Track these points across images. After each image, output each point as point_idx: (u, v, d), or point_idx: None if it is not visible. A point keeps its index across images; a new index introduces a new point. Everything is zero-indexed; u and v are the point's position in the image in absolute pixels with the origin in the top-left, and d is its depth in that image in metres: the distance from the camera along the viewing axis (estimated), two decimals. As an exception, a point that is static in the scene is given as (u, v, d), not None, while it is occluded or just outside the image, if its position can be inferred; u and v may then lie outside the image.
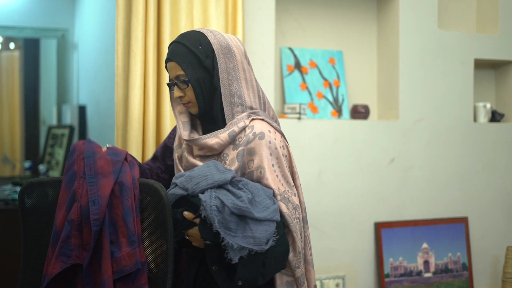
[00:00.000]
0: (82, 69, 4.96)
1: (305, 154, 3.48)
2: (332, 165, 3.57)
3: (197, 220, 1.91)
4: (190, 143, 2.08)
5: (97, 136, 4.57)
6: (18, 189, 4.66)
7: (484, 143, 3.94)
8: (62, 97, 5.36)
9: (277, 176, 2.01)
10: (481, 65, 4.11)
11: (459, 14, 4.11)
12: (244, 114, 2.07)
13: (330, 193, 3.56)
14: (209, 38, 2.07)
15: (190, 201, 1.91)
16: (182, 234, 1.96)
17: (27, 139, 5.38)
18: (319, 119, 3.60)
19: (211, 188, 1.88)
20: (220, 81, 2.05)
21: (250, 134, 2.03)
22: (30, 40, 5.36)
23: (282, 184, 2.02)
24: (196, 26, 3.07)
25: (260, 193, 1.91)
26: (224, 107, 2.06)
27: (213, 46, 2.06)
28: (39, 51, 5.39)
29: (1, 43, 5.32)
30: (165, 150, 2.39)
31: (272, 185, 1.98)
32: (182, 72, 2.04)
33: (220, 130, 2.05)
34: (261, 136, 2.02)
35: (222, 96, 2.06)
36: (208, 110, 2.09)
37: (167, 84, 2.14)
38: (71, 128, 4.91)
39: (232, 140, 2.05)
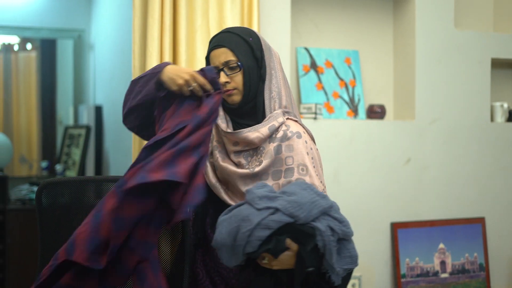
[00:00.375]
0: (99, 69, 4.98)
1: (321, 154, 3.44)
2: (348, 165, 3.56)
3: (294, 246, 1.84)
4: (230, 136, 2.08)
5: (113, 136, 4.59)
6: (35, 189, 4.69)
7: (501, 143, 3.92)
8: (78, 97, 5.39)
9: (316, 174, 2.06)
10: (498, 64, 4.08)
11: (476, 13, 4.09)
12: (280, 111, 2.10)
13: (346, 193, 3.55)
14: (257, 34, 2.14)
15: (296, 228, 1.83)
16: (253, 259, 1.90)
17: (44, 139, 5.41)
18: (335, 119, 3.60)
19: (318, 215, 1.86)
20: (266, 74, 2.09)
21: (288, 132, 2.07)
22: (46, 41, 5.40)
23: (319, 182, 2.06)
24: (212, 26, 3.08)
25: (338, 210, 1.91)
26: (265, 99, 2.09)
27: (261, 41, 2.12)
28: (55, 51, 5.42)
29: (18, 44, 5.35)
30: None
31: (316, 183, 2.02)
32: (233, 58, 2.06)
33: (259, 124, 2.07)
34: (298, 135, 2.07)
35: (265, 88, 2.09)
36: (250, 100, 2.10)
37: None
38: (88, 128, 4.93)
39: (271, 134, 2.07)
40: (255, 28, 3.15)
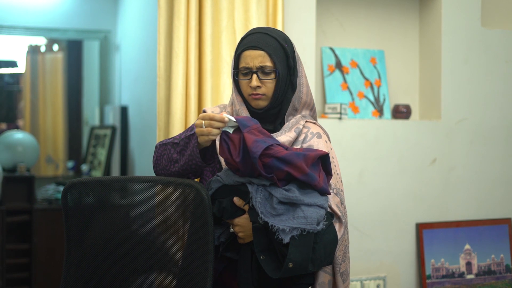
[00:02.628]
0: (124, 70, 5.02)
1: (346, 154, 3.47)
2: (373, 165, 3.55)
3: (246, 207, 1.92)
4: None
5: (138, 136, 4.62)
6: (61, 188, 4.73)
7: (528, 143, 3.88)
8: (104, 98, 5.43)
9: (336, 174, 2.09)
10: (526, 63, 4.04)
11: (503, 11, 4.05)
12: (298, 116, 2.11)
13: (371, 193, 3.54)
14: (291, 40, 2.11)
15: (240, 190, 1.91)
16: (227, 229, 1.97)
17: (70, 139, 5.46)
18: (360, 119, 3.59)
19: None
20: (298, 85, 2.09)
21: (308, 133, 2.08)
22: (73, 42, 5.45)
23: (337, 181, 2.08)
24: (238, 27, 3.09)
25: (309, 190, 1.91)
26: (289, 108, 2.10)
27: (294, 47, 2.10)
28: (82, 52, 5.47)
29: (45, 45, 5.41)
30: None
31: (333, 182, 2.05)
32: (269, 64, 2.01)
33: (283, 129, 2.08)
34: (318, 135, 2.08)
35: (295, 97, 2.09)
36: (275, 106, 2.09)
37: (236, 72, 2.07)
38: (113, 129, 4.97)
39: (297, 137, 2.08)
40: (279, 28, 3.15)
